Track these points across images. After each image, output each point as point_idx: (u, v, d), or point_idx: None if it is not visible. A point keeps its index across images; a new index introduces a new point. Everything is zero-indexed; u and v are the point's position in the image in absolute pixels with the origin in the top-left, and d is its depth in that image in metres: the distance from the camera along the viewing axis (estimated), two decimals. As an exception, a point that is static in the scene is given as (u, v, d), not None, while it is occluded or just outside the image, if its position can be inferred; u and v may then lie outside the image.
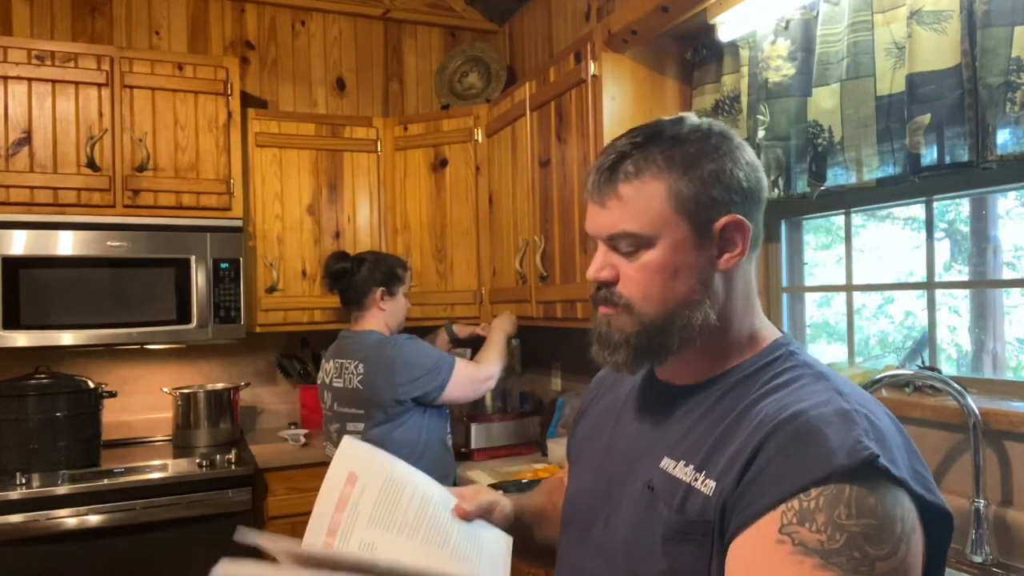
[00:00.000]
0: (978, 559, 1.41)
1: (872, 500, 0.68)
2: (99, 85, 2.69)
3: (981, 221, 1.71)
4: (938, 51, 1.43)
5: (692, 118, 0.87)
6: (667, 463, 0.84)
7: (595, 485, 0.95)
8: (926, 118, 1.45)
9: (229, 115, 2.87)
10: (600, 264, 0.88)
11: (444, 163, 3.06)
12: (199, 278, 2.77)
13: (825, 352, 2.11)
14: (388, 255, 2.48)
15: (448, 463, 2.35)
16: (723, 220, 0.83)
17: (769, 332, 0.90)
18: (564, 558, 0.99)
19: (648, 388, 0.96)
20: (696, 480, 0.79)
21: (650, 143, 0.84)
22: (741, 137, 0.89)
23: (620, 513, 0.88)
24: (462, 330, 2.66)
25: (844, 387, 0.79)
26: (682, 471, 0.81)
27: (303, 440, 2.90)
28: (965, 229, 1.76)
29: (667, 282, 0.83)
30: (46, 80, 2.62)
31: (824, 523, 0.67)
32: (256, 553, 0.80)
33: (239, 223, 2.85)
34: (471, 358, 2.44)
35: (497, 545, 0.98)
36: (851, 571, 0.66)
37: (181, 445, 2.89)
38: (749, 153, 0.87)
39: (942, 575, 0.78)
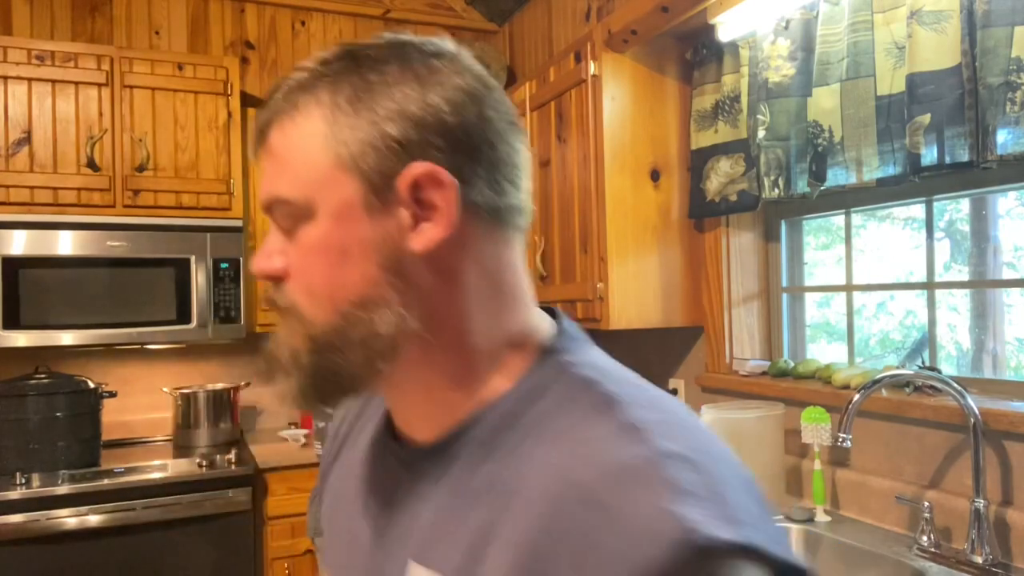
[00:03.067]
0: (978, 559, 1.41)
1: None
2: (99, 85, 2.69)
3: (981, 221, 1.71)
4: (938, 51, 1.43)
5: (394, 35, 0.60)
6: (415, 572, 0.57)
7: None
8: (926, 118, 1.45)
9: (229, 115, 2.87)
10: (266, 250, 0.59)
11: (444, 163, 3.05)
12: (199, 278, 2.77)
13: (825, 352, 2.11)
14: None
15: None
16: (410, 172, 0.55)
17: (533, 337, 0.61)
18: None
19: (380, 444, 0.67)
20: None
21: (324, 69, 0.58)
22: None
23: None
24: None
25: (635, 411, 0.53)
26: None
27: (303, 440, 2.90)
28: (965, 229, 1.76)
29: (333, 268, 0.56)
30: (46, 80, 2.62)
31: None
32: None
33: (239, 223, 2.85)
34: None
35: None
36: None
37: (181, 445, 2.88)
38: (472, 78, 0.58)
39: None
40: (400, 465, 0.63)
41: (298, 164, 0.56)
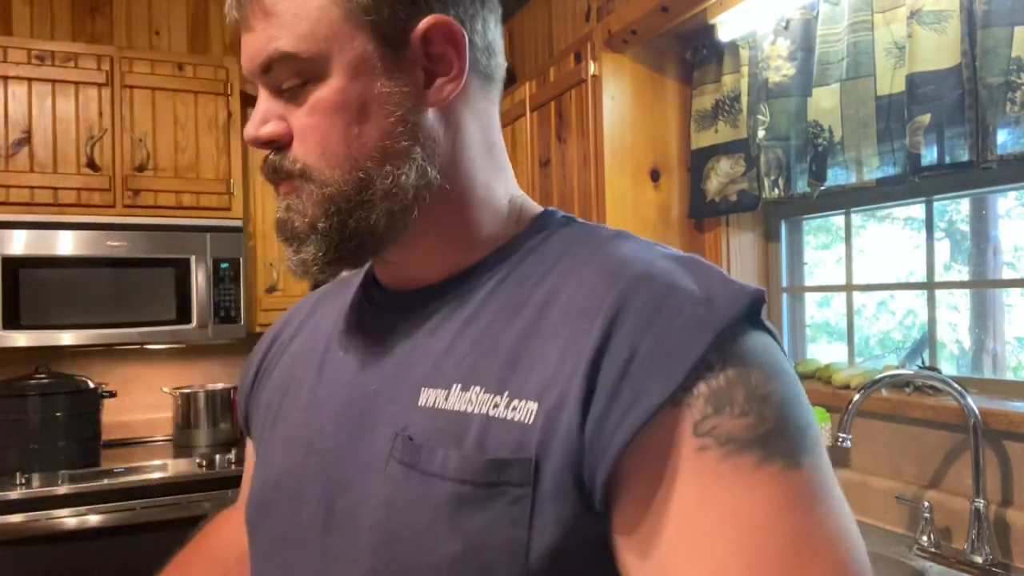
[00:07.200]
0: (978, 559, 1.41)
1: (773, 347, 0.51)
2: (99, 85, 2.68)
3: (981, 221, 1.71)
4: (938, 51, 1.43)
5: None
6: (430, 396, 0.56)
7: (298, 470, 0.62)
8: (926, 118, 1.45)
9: (229, 115, 2.87)
10: (261, 115, 0.58)
11: (444, 163, 3.05)
12: (199, 278, 2.77)
13: (825, 352, 2.11)
14: None
15: None
16: (424, 24, 0.56)
17: (532, 203, 0.66)
18: None
19: (370, 303, 0.67)
20: (498, 407, 0.52)
21: None
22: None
23: (354, 494, 0.58)
24: None
25: (651, 242, 0.62)
26: (465, 400, 0.54)
27: (303, 440, 2.90)
28: (965, 229, 1.76)
29: (351, 126, 0.55)
30: (46, 80, 2.62)
31: (746, 399, 0.47)
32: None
33: (239, 223, 2.85)
34: None
35: None
36: (797, 453, 0.48)
37: (181, 445, 2.88)
38: None
39: None
40: (403, 309, 0.63)
41: (306, 18, 0.55)
